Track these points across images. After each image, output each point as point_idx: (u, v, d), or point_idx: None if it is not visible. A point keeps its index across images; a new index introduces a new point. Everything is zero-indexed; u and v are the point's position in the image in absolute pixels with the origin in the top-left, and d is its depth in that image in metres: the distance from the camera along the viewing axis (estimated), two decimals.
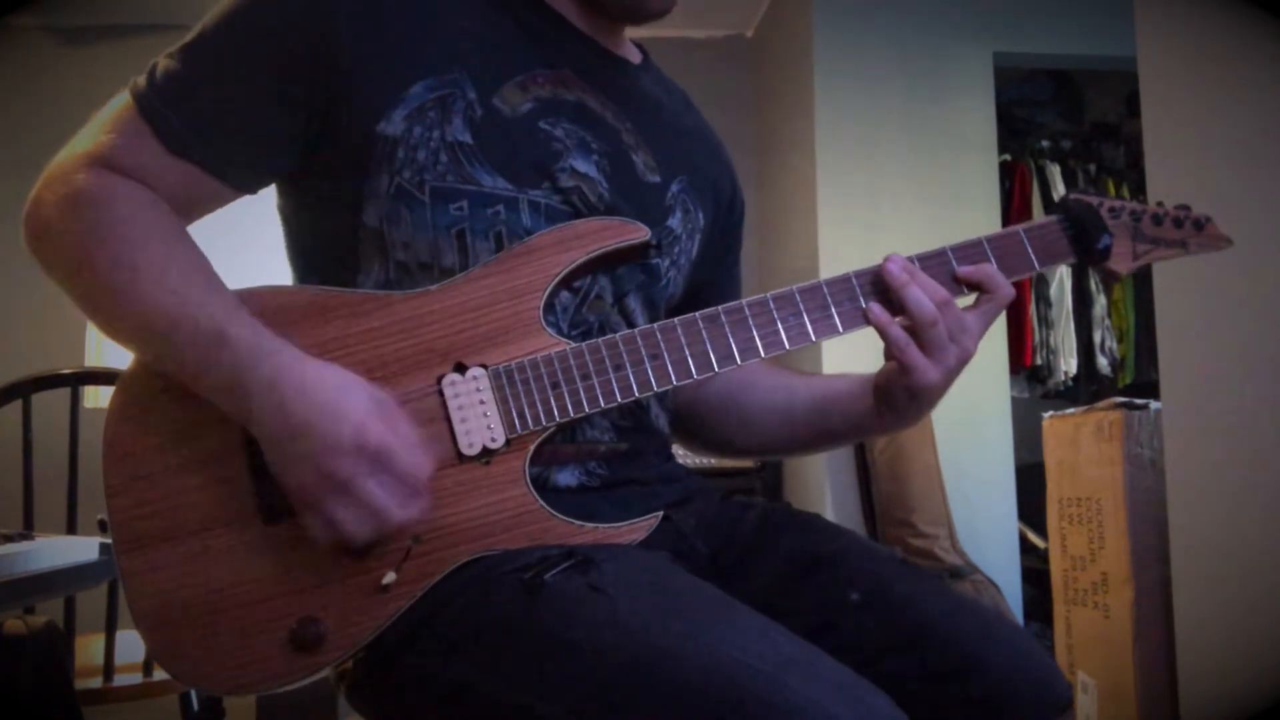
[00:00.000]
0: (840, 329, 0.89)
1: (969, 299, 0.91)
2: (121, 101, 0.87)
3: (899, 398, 0.94)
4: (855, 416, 1.01)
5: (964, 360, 0.90)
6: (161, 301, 0.80)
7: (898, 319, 0.88)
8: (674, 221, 0.99)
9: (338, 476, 0.75)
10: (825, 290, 0.89)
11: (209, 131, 0.86)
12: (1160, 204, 0.99)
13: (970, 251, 0.92)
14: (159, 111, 0.85)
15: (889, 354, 0.90)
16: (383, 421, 0.77)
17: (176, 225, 0.85)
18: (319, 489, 0.76)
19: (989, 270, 0.90)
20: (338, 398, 0.77)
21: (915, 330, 0.88)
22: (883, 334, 0.89)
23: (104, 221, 0.82)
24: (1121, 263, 0.96)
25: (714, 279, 1.10)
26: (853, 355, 1.50)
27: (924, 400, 0.93)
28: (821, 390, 1.05)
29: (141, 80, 0.87)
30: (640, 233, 0.89)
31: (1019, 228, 0.94)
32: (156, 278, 0.81)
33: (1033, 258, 0.93)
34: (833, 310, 0.89)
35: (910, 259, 0.89)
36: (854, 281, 0.89)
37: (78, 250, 0.83)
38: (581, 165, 0.92)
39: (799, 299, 0.89)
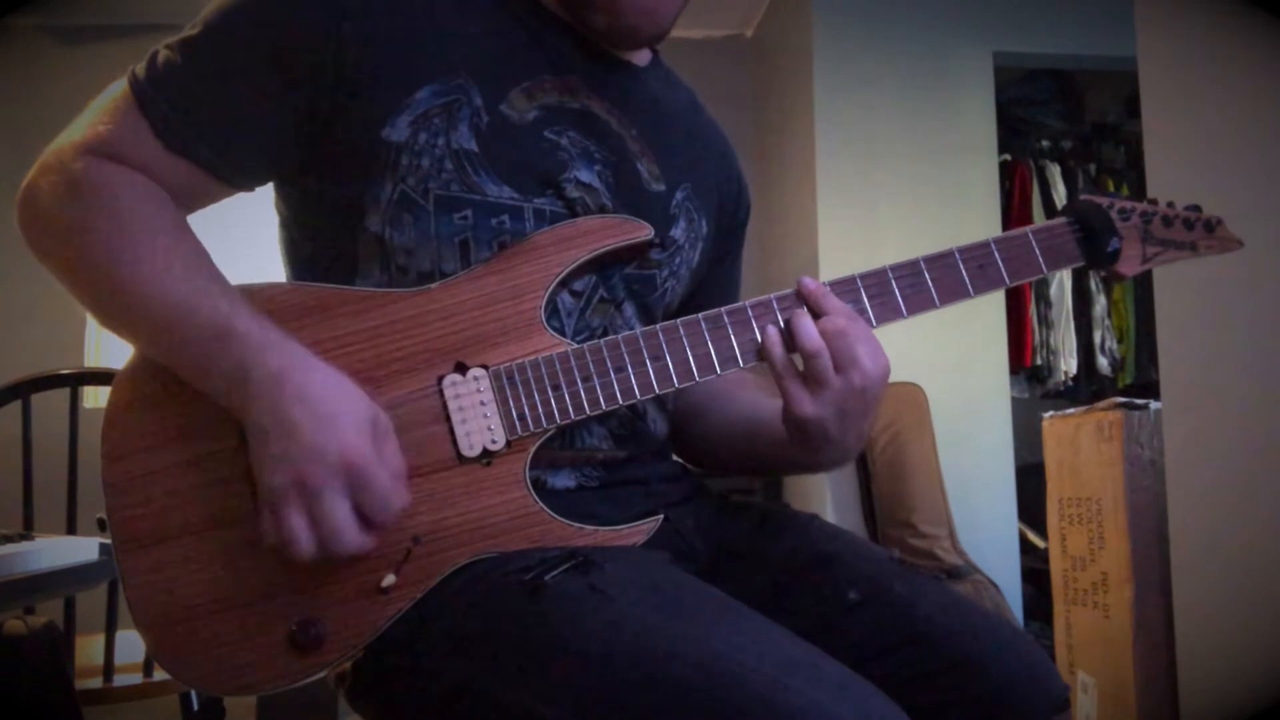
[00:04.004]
0: None
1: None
2: (119, 90, 0.86)
3: (789, 429, 0.88)
4: (779, 446, 0.94)
5: (851, 395, 0.83)
6: (164, 293, 0.79)
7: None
8: (677, 231, 0.98)
9: (308, 485, 0.74)
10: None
11: (206, 130, 0.85)
12: (1171, 204, 0.98)
13: (978, 253, 0.91)
14: (156, 106, 0.84)
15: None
16: (371, 443, 0.76)
17: (177, 216, 0.84)
18: (286, 493, 0.75)
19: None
20: (335, 408, 0.76)
21: (803, 359, 0.84)
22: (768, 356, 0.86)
23: (104, 210, 0.81)
24: (1129, 265, 0.95)
25: (708, 281, 1.08)
26: None
27: (817, 437, 0.86)
28: (764, 414, 0.98)
29: (141, 70, 0.86)
30: (643, 231, 0.89)
31: (1027, 230, 0.93)
32: (159, 269, 0.80)
33: (1040, 260, 0.92)
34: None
35: (917, 262, 0.88)
36: (858, 283, 0.88)
37: (76, 240, 0.82)
38: (585, 176, 0.91)
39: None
